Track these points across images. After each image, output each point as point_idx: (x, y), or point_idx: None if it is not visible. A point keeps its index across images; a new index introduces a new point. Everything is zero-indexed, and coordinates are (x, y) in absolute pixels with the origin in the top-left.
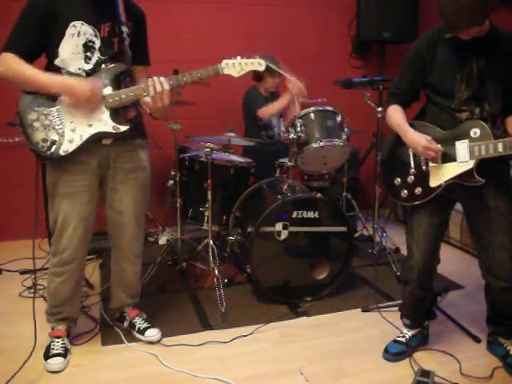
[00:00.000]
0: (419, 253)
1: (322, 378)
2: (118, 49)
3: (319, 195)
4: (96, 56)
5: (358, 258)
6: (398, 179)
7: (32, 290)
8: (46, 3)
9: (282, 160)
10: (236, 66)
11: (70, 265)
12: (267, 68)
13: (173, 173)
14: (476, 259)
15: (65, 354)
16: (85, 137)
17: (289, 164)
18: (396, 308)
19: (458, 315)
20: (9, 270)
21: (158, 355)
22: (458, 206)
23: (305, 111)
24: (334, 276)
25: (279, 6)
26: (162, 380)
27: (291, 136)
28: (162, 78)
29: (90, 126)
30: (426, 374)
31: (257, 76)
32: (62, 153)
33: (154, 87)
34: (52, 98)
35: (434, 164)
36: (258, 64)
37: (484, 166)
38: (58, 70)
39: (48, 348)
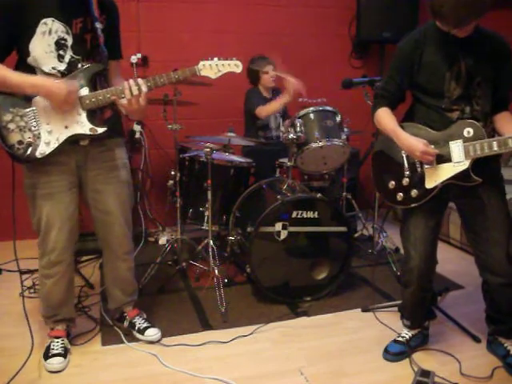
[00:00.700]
0: (418, 255)
1: (322, 378)
2: (90, 46)
3: (319, 195)
4: (69, 54)
5: (358, 258)
6: (393, 182)
7: (32, 290)
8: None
9: (281, 160)
10: (213, 68)
11: (59, 266)
12: (255, 66)
13: (173, 173)
14: None
15: (65, 353)
16: (62, 139)
17: (289, 164)
18: (396, 308)
19: (457, 315)
20: (9, 270)
21: (158, 355)
22: None
23: (304, 111)
24: (333, 276)
25: (279, 5)
26: (161, 380)
27: (291, 136)
28: (139, 80)
29: (67, 127)
30: (426, 373)
31: (253, 79)
32: (38, 155)
33: (131, 90)
34: (27, 98)
35: (428, 166)
36: (235, 66)
37: (477, 165)
38: (31, 69)
39: (48, 348)
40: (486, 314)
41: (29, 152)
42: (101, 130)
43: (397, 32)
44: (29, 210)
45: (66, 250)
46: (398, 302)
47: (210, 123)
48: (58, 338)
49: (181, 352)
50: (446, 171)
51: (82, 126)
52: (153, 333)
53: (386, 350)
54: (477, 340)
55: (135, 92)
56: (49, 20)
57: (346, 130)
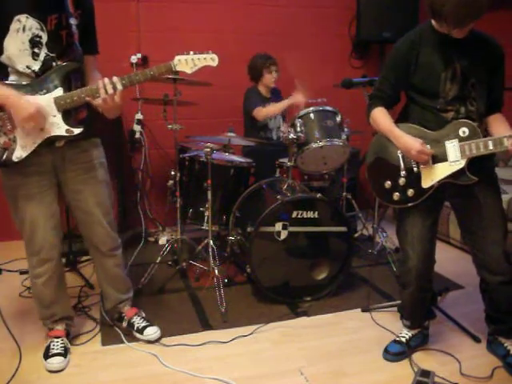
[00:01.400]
0: (416, 255)
1: (322, 378)
2: (65, 43)
3: (319, 195)
4: (44, 52)
5: (358, 257)
6: (389, 182)
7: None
8: None
9: (281, 160)
10: (188, 62)
11: (49, 263)
12: (264, 62)
13: (173, 173)
14: None
15: (65, 353)
16: (38, 141)
17: (289, 164)
18: (395, 308)
19: (457, 315)
20: (9, 270)
21: (158, 355)
22: None
23: (305, 111)
24: (333, 276)
25: (279, 5)
26: (162, 380)
27: (291, 136)
28: (114, 78)
29: (42, 129)
30: (426, 374)
31: (255, 75)
32: (15, 159)
33: (105, 89)
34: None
35: (424, 165)
36: (211, 59)
37: (472, 164)
38: (4, 67)
39: (48, 348)
40: (485, 314)
41: (5, 157)
42: (77, 131)
43: (397, 32)
44: (10, 211)
45: (54, 246)
46: (398, 301)
47: (209, 123)
48: (57, 337)
49: (181, 352)
50: (442, 170)
51: (58, 127)
52: (152, 331)
53: (385, 350)
54: (477, 340)
55: (110, 91)
56: (22, 17)
57: (346, 129)
